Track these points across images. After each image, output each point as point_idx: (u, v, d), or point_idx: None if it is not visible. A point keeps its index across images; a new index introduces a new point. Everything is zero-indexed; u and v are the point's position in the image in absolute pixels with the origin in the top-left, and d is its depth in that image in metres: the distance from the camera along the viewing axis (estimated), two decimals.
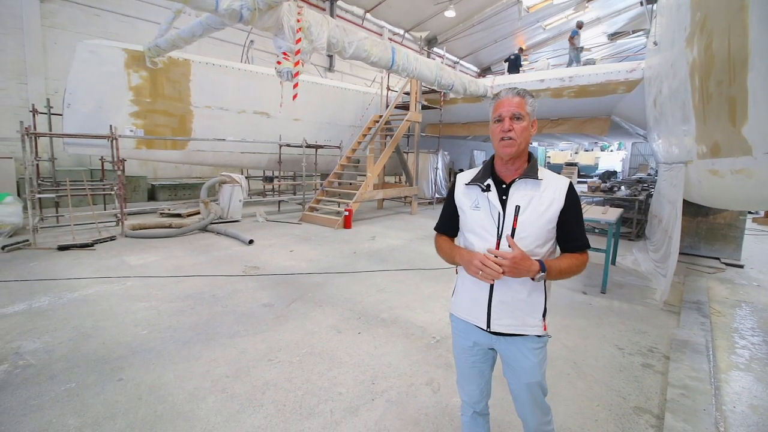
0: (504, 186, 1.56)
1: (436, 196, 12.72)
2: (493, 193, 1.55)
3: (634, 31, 18.93)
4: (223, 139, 9.19)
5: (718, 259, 6.40)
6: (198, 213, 8.91)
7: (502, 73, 20.52)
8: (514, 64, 14.32)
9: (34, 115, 7.82)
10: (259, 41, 12.71)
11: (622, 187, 11.18)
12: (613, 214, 5.27)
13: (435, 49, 21.72)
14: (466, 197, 1.64)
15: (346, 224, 8.40)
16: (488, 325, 1.58)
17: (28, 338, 3.23)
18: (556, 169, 26.09)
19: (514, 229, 1.50)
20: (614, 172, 20.36)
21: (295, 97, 5.82)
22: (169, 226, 7.62)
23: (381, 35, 18.86)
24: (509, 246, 1.45)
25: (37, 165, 7.36)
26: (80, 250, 5.84)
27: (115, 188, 7.09)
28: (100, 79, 7.69)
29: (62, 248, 5.80)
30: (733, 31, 2.29)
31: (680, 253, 5.06)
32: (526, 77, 10.75)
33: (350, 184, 10.59)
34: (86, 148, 7.93)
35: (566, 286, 4.90)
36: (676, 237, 4.29)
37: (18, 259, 5.32)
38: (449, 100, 11.78)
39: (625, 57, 21.36)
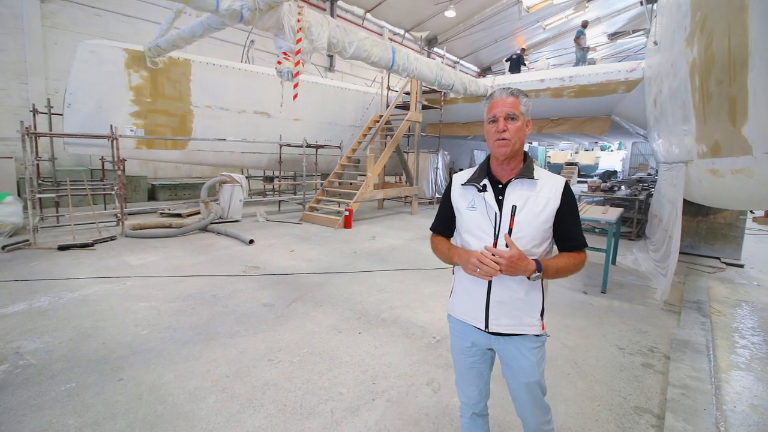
0: (500, 186, 1.56)
1: (437, 195, 12.71)
2: (490, 194, 1.55)
3: (634, 31, 18.94)
4: (224, 139, 9.19)
5: (718, 258, 6.40)
6: (198, 213, 8.91)
7: (503, 73, 20.52)
8: (516, 64, 14.31)
9: (34, 115, 7.82)
10: (260, 41, 12.72)
11: (623, 187, 11.17)
12: (613, 213, 5.26)
13: (435, 49, 21.72)
14: (462, 198, 1.64)
15: (347, 224, 8.40)
16: (486, 326, 1.58)
17: (28, 338, 3.23)
18: (556, 168, 26.14)
19: (510, 229, 1.50)
20: (614, 172, 20.36)
21: (295, 97, 5.82)
22: (170, 226, 7.62)
23: (381, 35, 18.86)
24: (507, 245, 1.46)
25: (38, 165, 7.36)
26: (80, 250, 5.84)
27: (115, 188, 7.09)
28: (100, 79, 7.69)
29: (62, 248, 5.80)
30: (733, 30, 2.28)
31: (680, 253, 5.07)
32: (526, 77, 10.75)
33: (350, 183, 10.59)
34: (86, 147, 7.93)
35: (566, 286, 4.90)
36: (677, 236, 4.29)
37: (18, 259, 5.32)
38: (449, 100, 11.78)
39: (625, 57, 21.39)
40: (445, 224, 1.74)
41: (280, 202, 10.82)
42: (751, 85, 2.13)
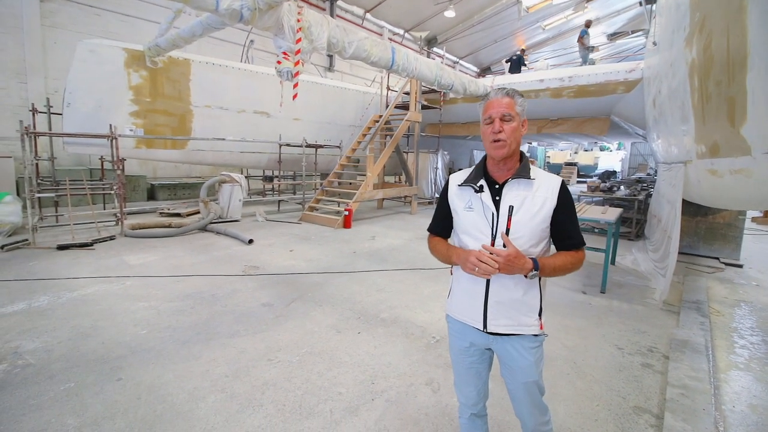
0: (497, 186, 1.56)
1: (436, 195, 12.71)
2: (486, 194, 1.55)
3: (633, 32, 18.96)
4: (223, 139, 9.18)
5: (717, 258, 6.41)
6: (197, 212, 8.90)
7: (502, 73, 20.54)
8: (517, 65, 14.38)
9: (33, 115, 7.81)
10: (259, 41, 12.71)
11: (622, 187, 11.18)
12: (612, 213, 5.27)
13: (435, 49, 21.73)
14: (459, 198, 1.64)
15: (346, 224, 8.40)
16: (485, 326, 1.58)
17: (27, 338, 3.23)
18: (556, 168, 26.17)
19: (508, 230, 1.51)
20: (614, 172, 20.37)
21: (295, 96, 5.81)
22: (169, 226, 7.61)
23: (381, 35, 18.86)
24: (504, 244, 1.46)
25: (37, 164, 7.35)
26: (79, 250, 5.84)
27: (114, 188, 7.09)
28: (100, 78, 7.68)
29: (61, 248, 5.79)
30: (732, 31, 2.29)
31: (679, 253, 5.07)
32: (525, 77, 10.76)
33: (350, 183, 10.59)
34: (86, 147, 7.92)
35: (566, 286, 4.90)
36: (676, 237, 4.30)
37: (17, 259, 5.31)
38: (449, 100, 11.78)
39: (625, 57, 21.41)
40: (442, 225, 1.74)
41: (279, 201, 10.82)
42: (749, 85, 2.13)
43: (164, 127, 8.64)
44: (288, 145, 10.20)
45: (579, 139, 19.76)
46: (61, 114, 7.74)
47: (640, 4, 7.05)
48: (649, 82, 7.00)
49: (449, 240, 1.76)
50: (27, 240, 5.96)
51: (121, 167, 7.10)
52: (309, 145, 10.39)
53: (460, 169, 1.75)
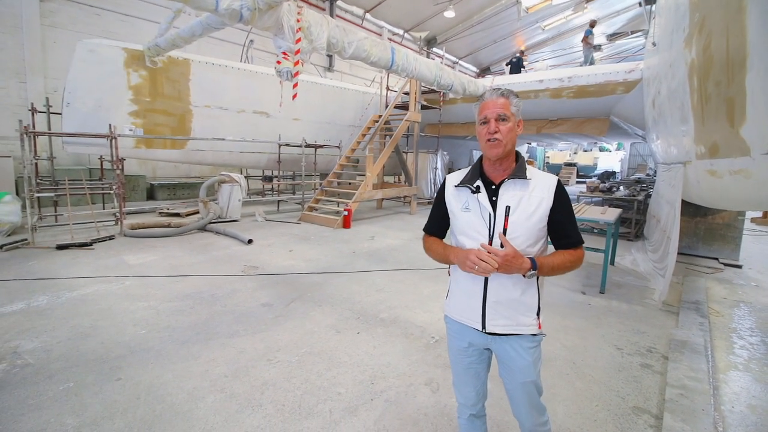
0: (493, 187, 1.57)
1: (435, 195, 12.72)
2: (483, 195, 1.56)
3: (632, 32, 18.99)
4: (223, 139, 9.18)
5: (716, 259, 6.41)
6: (197, 212, 8.90)
7: (502, 74, 20.56)
8: (516, 67, 14.59)
9: (33, 114, 7.81)
10: (259, 41, 12.71)
11: (621, 188, 11.20)
12: (611, 214, 5.27)
13: (434, 50, 21.73)
14: (455, 199, 1.64)
15: (345, 224, 8.40)
16: (483, 326, 1.58)
17: (26, 337, 3.22)
18: (555, 169, 26.19)
19: (505, 230, 1.51)
20: (613, 173, 20.40)
21: (294, 96, 5.82)
22: (168, 226, 7.61)
23: (380, 35, 18.87)
24: (501, 244, 1.47)
25: (36, 164, 7.36)
26: (79, 250, 5.83)
27: (113, 187, 7.08)
28: (99, 78, 7.68)
29: (61, 247, 5.79)
30: (732, 32, 2.29)
31: (679, 253, 5.07)
32: (525, 77, 10.77)
33: (349, 183, 10.59)
34: (85, 147, 7.92)
35: (565, 287, 4.90)
36: (675, 237, 4.30)
37: (16, 258, 5.31)
38: (448, 100, 11.79)
39: (624, 58, 21.42)
40: (438, 225, 1.75)
41: (279, 201, 10.81)
42: (749, 86, 2.13)
43: (164, 127, 8.63)
44: (287, 145, 10.20)
45: (578, 140, 19.78)
46: (60, 114, 7.74)
47: (640, 4, 7.06)
48: (648, 82, 7.01)
49: (445, 240, 1.76)
50: (26, 239, 5.96)
51: (120, 167, 7.10)
52: (308, 145, 10.39)
53: (458, 169, 1.75)
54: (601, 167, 25.74)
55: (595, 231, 7.36)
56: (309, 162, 10.93)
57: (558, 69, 14.05)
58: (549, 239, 1.61)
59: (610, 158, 27.08)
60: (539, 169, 1.66)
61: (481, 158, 1.64)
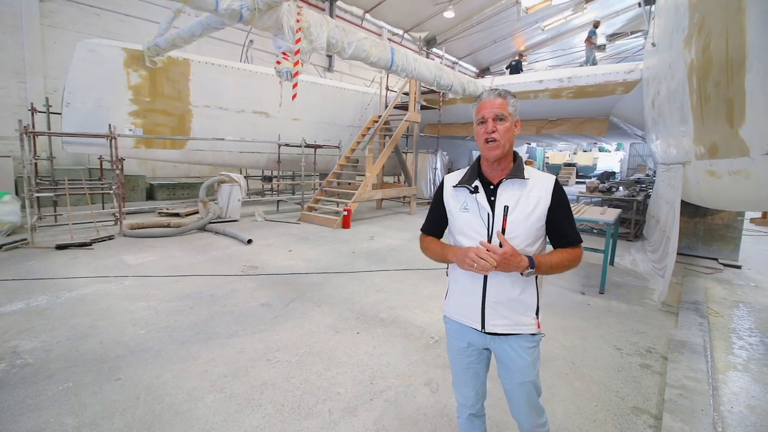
0: (491, 187, 1.57)
1: None
2: (481, 195, 1.56)
3: (632, 32, 19.00)
4: (222, 139, 9.18)
5: (715, 259, 6.42)
6: (196, 212, 8.90)
7: (502, 74, 20.59)
8: (515, 70, 14.85)
9: (32, 114, 7.81)
10: (259, 41, 12.70)
11: (621, 188, 11.21)
12: (611, 214, 5.28)
13: (434, 50, 21.71)
14: (454, 199, 1.65)
15: (345, 224, 8.39)
16: (483, 326, 1.59)
17: (25, 337, 3.22)
18: (555, 169, 26.20)
19: (503, 230, 1.52)
20: (612, 173, 20.42)
21: (294, 97, 5.82)
22: (168, 226, 7.61)
23: (380, 35, 18.86)
24: (500, 243, 1.47)
25: (36, 164, 7.36)
26: (78, 250, 5.83)
27: (113, 187, 7.08)
28: (99, 78, 7.67)
29: (60, 247, 5.78)
30: (731, 32, 2.29)
31: (678, 254, 5.08)
32: (524, 78, 10.77)
33: (349, 183, 10.59)
34: (85, 147, 7.91)
35: (565, 287, 4.91)
36: (674, 237, 4.30)
37: (16, 258, 5.30)
38: (448, 101, 11.79)
39: (624, 58, 21.41)
40: (436, 226, 1.76)
41: (278, 201, 10.81)
42: (748, 86, 2.14)
43: (163, 127, 8.63)
44: (287, 145, 10.20)
45: (578, 140, 19.78)
46: (60, 113, 7.73)
47: (640, 5, 7.07)
48: (648, 83, 7.01)
49: (444, 241, 1.76)
50: (26, 239, 5.95)
51: (120, 167, 7.09)
52: (308, 145, 10.40)
53: (457, 170, 1.75)
54: (601, 167, 25.77)
55: (595, 231, 7.37)
56: (308, 162, 10.93)
57: (557, 69, 14.07)
58: (547, 239, 1.62)
59: (610, 158, 27.11)
60: (539, 169, 1.66)
61: (479, 158, 1.65)
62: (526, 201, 1.52)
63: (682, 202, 4.45)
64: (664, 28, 4.87)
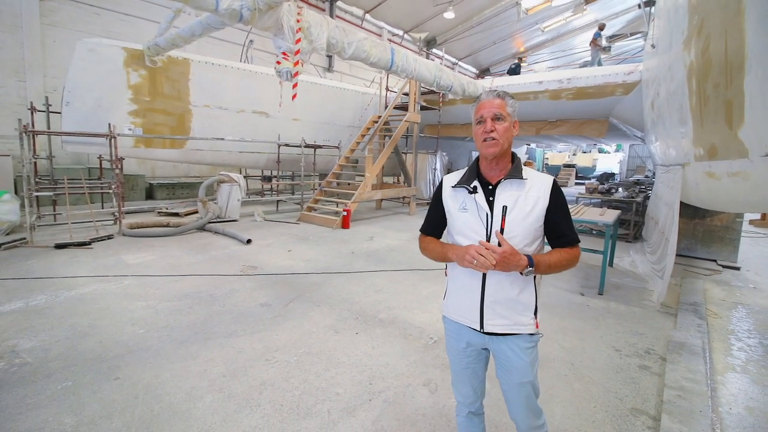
0: (490, 187, 1.58)
1: None
2: (480, 195, 1.57)
3: (632, 34, 19.00)
4: (222, 139, 9.18)
5: (714, 261, 6.43)
6: (196, 212, 8.89)
7: (502, 75, 20.63)
8: (515, 73, 15.24)
9: (32, 113, 7.80)
10: (259, 41, 12.71)
11: (620, 189, 11.21)
12: (610, 215, 5.28)
13: (434, 50, 21.73)
14: (453, 199, 1.66)
15: (344, 224, 8.39)
16: (481, 326, 1.59)
17: (24, 336, 3.22)
18: (554, 170, 26.22)
19: (502, 229, 1.53)
20: (612, 174, 20.42)
21: (294, 97, 5.83)
22: (167, 225, 7.60)
23: (380, 36, 18.88)
24: (499, 243, 1.48)
25: (35, 163, 7.35)
26: (77, 249, 5.82)
27: (113, 187, 7.08)
28: (99, 77, 7.67)
29: (59, 246, 5.78)
30: (731, 34, 2.30)
31: (677, 255, 5.08)
32: (524, 79, 10.78)
33: (348, 184, 10.59)
34: (84, 146, 7.92)
35: (564, 288, 4.91)
36: (673, 239, 4.31)
37: (15, 257, 5.30)
38: (448, 101, 11.80)
39: (623, 59, 21.43)
40: (435, 226, 1.76)
41: (278, 201, 10.81)
42: (747, 88, 2.14)
43: (163, 127, 8.63)
44: (287, 145, 10.20)
45: (577, 141, 19.81)
46: (59, 113, 7.73)
47: (639, 6, 7.08)
48: (647, 84, 7.02)
49: (443, 240, 1.77)
50: (25, 239, 5.95)
51: (119, 166, 7.09)
52: (308, 146, 10.40)
53: (456, 170, 1.76)
54: (600, 169, 25.79)
55: (594, 232, 7.38)
56: (308, 162, 10.94)
57: (557, 70, 14.10)
58: (546, 239, 1.62)
59: (609, 160, 27.12)
60: (538, 170, 1.67)
61: (477, 159, 1.66)
62: (525, 201, 1.53)
63: (681, 203, 4.46)
64: (663, 30, 4.88)
